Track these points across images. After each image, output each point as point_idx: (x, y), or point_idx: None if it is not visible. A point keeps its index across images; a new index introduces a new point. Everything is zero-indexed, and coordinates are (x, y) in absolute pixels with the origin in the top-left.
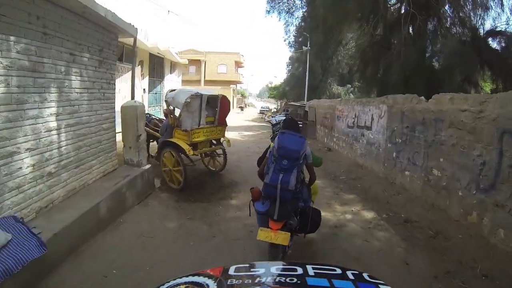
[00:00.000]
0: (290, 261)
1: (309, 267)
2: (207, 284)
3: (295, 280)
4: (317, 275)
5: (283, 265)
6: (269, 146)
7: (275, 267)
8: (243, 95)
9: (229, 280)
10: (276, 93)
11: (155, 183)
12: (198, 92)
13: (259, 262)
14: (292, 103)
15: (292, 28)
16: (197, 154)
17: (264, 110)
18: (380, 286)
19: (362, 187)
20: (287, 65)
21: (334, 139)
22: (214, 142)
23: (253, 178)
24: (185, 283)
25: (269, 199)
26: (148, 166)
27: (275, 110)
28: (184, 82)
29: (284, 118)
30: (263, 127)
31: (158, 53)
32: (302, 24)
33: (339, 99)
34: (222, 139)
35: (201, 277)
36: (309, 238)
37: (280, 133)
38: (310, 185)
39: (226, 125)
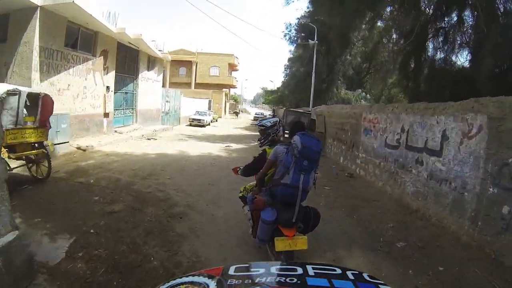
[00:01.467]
0: (290, 261)
1: (309, 267)
2: (207, 284)
3: (295, 280)
4: (317, 275)
5: (283, 265)
6: (264, 153)
7: (275, 267)
8: (236, 101)
9: (229, 280)
10: (272, 98)
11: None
12: (16, 88)
13: (259, 262)
14: (294, 109)
15: (296, 19)
16: (13, 157)
17: (258, 117)
18: (380, 286)
19: (446, 271)
20: (285, 68)
21: (358, 161)
22: (36, 145)
23: (243, 250)
24: (185, 283)
25: (281, 204)
26: (10, 236)
27: (270, 117)
28: (173, 84)
29: (276, 119)
30: (257, 137)
31: (129, 43)
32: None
33: (368, 104)
34: (44, 142)
35: (201, 277)
36: None
37: (301, 134)
38: None
39: (49, 127)
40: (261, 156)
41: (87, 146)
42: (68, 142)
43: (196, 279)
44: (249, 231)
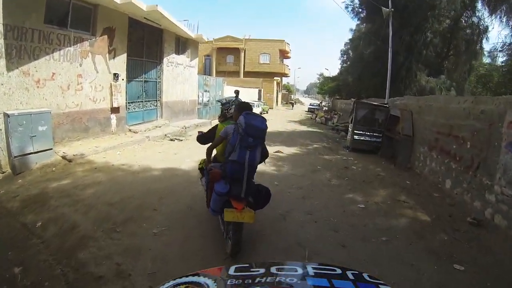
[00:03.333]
0: (290, 261)
1: (309, 267)
2: (207, 284)
3: (295, 280)
4: (317, 275)
5: (283, 265)
6: (216, 126)
7: (275, 267)
8: (289, 90)
9: (229, 280)
10: (328, 88)
11: None
12: None
13: (259, 262)
14: (366, 101)
15: None
16: None
17: (314, 108)
18: (380, 286)
19: None
20: (342, 53)
21: (491, 197)
22: None
23: None
24: (185, 283)
25: (232, 178)
26: None
27: (326, 108)
28: (220, 73)
29: (233, 98)
30: (317, 135)
31: (146, 18)
32: None
33: None
34: None
35: (201, 277)
36: None
37: (245, 113)
38: (260, 162)
39: None
40: (213, 129)
41: (74, 155)
42: (51, 149)
43: (196, 279)
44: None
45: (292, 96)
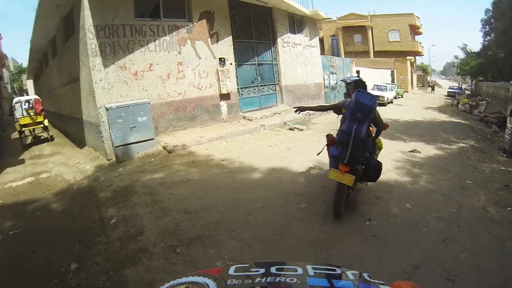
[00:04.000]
0: (290, 261)
1: (309, 267)
2: (207, 284)
3: (295, 280)
4: (317, 275)
5: (283, 265)
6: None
7: (275, 267)
8: (425, 71)
9: (229, 280)
10: (470, 67)
11: None
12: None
13: (259, 262)
14: None
15: None
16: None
17: (454, 92)
18: (380, 286)
19: None
20: (482, 24)
21: None
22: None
23: None
24: (185, 283)
25: (342, 145)
26: None
27: (468, 93)
28: (348, 54)
29: (356, 78)
30: (462, 128)
31: None
32: None
33: None
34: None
35: (201, 277)
36: None
37: (357, 91)
38: (376, 137)
39: (42, 113)
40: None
41: (174, 146)
42: (152, 139)
43: (196, 279)
44: None
45: (429, 77)
